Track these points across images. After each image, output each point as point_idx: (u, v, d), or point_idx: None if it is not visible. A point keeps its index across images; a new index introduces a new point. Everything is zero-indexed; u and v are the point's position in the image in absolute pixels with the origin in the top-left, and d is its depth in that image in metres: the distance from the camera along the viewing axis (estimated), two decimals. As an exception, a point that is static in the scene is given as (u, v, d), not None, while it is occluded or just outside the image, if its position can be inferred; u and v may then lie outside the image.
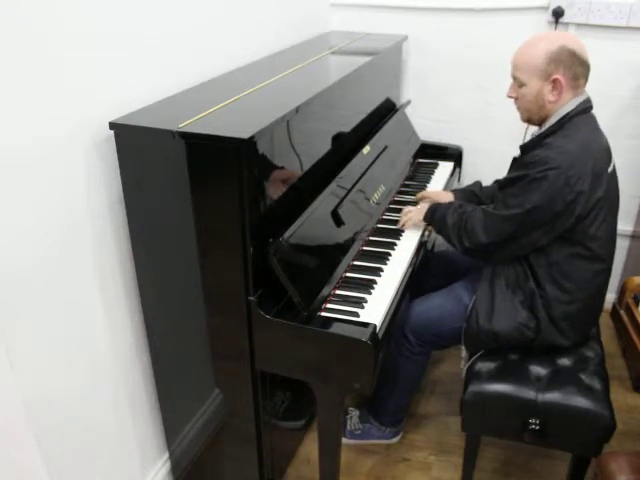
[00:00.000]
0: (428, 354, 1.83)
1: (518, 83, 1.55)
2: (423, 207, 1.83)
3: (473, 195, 1.95)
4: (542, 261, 1.55)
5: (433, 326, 1.73)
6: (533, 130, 1.63)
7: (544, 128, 1.55)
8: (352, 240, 1.69)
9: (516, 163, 1.62)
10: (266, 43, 2.00)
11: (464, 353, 1.71)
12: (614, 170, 1.57)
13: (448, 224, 1.67)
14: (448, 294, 1.77)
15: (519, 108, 1.60)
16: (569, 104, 1.51)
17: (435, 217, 1.74)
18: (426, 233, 1.85)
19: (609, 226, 1.56)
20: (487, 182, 2.01)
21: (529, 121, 1.62)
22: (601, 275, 1.60)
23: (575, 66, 1.48)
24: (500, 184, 1.62)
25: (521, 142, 1.66)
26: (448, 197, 1.95)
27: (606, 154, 1.54)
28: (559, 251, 1.53)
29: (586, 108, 1.53)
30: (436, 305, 1.76)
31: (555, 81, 1.49)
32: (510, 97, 1.60)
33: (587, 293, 1.58)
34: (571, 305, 1.57)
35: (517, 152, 1.63)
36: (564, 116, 1.51)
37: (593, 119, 1.56)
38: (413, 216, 1.84)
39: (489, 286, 1.63)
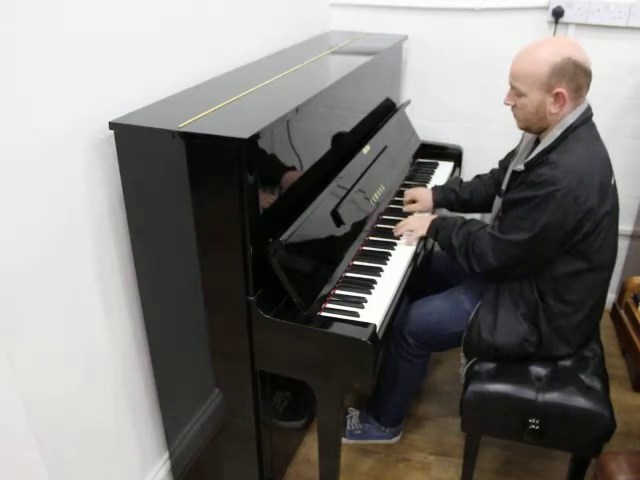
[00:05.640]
0: (427, 356, 1.83)
1: (517, 92, 1.49)
2: (425, 220, 1.78)
3: (452, 192, 1.96)
4: (545, 275, 1.53)
5: (432, 329, 1.72)
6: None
7: (547, 143, 1.48)
8: (352, 240, 1.69)
9: (519, 179, 1.54)
10: (266, 43, 2.00)
11: (463, 359, 1.70)
12: (615, 182, 1.54)
13: (454, 245, 1.64)
14: (448, 298, 1.76)
15: (517, 116, 1.55)
16: (571, 115, 1.46)
17: (440, 236, 1.72)
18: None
19: (611, 236, 1.54)
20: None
21: (527, 130, 1.57)
22: (603, 283, 1.59)
23: (578, 77, 1.42)
24: (505, 204, 1.56)
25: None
26: (428, 194, 1.97)
27: (609, 166, 1.51)
28: (562, 266, 1.51)
29: (587, 117, 1.48)
30: (436, 308, 1.74)
31: (558, 94, 1.43)
32: (507, 104, 1.55)
33: (589, 302, 1.57)
34: (574, 316, 1.56)
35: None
36: (567, 128, 1.46)
37: (594, 128, 1.51)
38: (415, 230, 1.79)
39: (493, 300, 1.60)
